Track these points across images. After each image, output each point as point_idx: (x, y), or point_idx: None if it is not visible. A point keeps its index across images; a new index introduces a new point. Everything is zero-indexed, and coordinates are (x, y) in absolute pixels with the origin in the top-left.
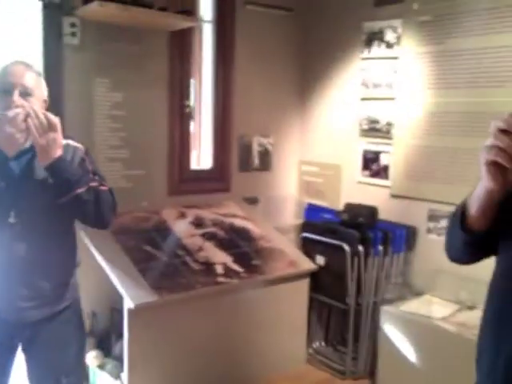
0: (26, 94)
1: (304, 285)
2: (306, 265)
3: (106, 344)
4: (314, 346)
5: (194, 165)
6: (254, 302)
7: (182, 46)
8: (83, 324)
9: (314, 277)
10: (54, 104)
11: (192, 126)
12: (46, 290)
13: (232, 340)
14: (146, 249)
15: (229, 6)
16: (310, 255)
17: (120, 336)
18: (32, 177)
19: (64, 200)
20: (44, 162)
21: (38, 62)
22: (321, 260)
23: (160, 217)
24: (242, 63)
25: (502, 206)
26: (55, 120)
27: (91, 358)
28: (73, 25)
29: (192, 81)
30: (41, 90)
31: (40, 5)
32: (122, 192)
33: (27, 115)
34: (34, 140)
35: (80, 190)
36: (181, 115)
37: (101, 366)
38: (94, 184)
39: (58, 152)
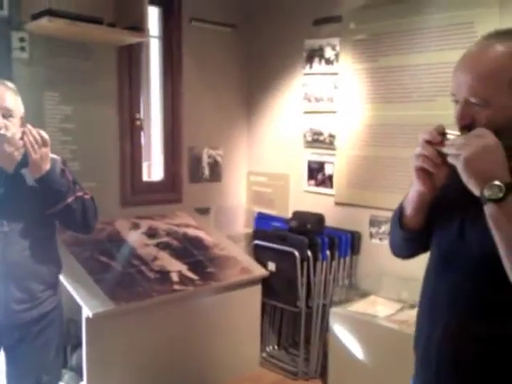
0: (8, 115)
1: (256, 290)
2: (258, 271)
3: (62, 356)
4: (268, 349)
5: (146, 176)
6: (209, 308)
7: (130, 60)
8: (63, 325)
9: (266, 282)
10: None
11: (143, 138)
12: (37, 291)
13: (189, 346)
14: (101, 259)
15: (175, 22)
16: (262, 262)
17: (76, 347)
18: (21, 187)
19: (54, 210)
20: (36, 175)
21: None
22: (272, 266)
23: (114, 228)
24: (189, 77)
25: (433, 205)
26: (46, 136)
27: None
28: (22, 39)
29: (141, 94)
30: (19, 109)
31: None
32: None
33: (23, 133)
34: (30, 155)
35: (69, 200)
36: (131, 128)
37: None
38: (79, 194)
39: (48, 165)
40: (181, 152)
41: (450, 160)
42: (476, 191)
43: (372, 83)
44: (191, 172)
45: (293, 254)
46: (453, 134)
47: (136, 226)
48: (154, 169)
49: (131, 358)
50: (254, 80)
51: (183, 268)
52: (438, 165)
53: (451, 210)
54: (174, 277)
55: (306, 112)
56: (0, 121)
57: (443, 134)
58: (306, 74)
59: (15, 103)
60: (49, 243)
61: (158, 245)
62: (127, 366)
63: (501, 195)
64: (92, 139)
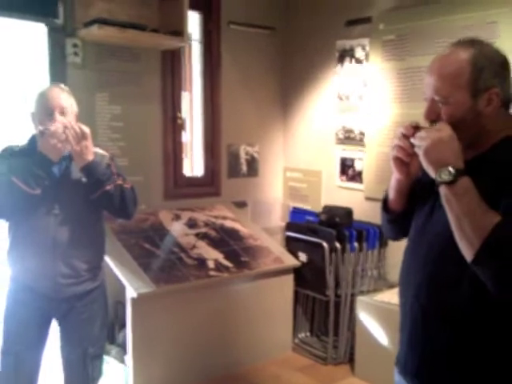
0: (63, 113)
1: (289, 279)
2: (290, 261)
3: (111, 333)
4: (300, 336)
5: (187, 172)
6: (243, 294)
7: (172, 62)
8: (107, 304)
9: (298, 272)
10: None
11: (184, 136)
12: (81, 270)
13: (223, 328)
14: (145, 246)
15: (214, 25)
16: (294, 253)
17: (123, 326)
18: (69, 177)
19: (95, 195)
20: (79, 165)
21: (44, 80)
22: (303, 257)
23: (157, 218)
24: (228, 78)
25: (414, 190)
26: (87, 130)
27: None
28: (75, 45)
29: (184, 94)
30: (73, 107)
31: (45, 28)
32: None
33: (65, 127)
34: (71, 147)
35: (108, 187)
36: (173, 126)
37: (106, 352)
38: (119, 182)
39: (90, 156)
40: (220, 149)
41: (416, 150)
42: (432, 175)
43: (399, 82)
44: (230, 167)
45: (322, 246)
46: (424, 128)
47: (177, 217)
48: (194, 165)
49: (170, 336)
50: (289, 79)
51: (219, 256)
52: (411, 154)
53: (427, 195)
54: (211, 264)
55: (338, 110)
56: (58, 118)
57: (417, 128)
58: (337, 74)
59: (69, 103)
60: (94, 228)
61: (196, 235)
62: (167, 343)
63: (451, 178)
64: (138, 136)
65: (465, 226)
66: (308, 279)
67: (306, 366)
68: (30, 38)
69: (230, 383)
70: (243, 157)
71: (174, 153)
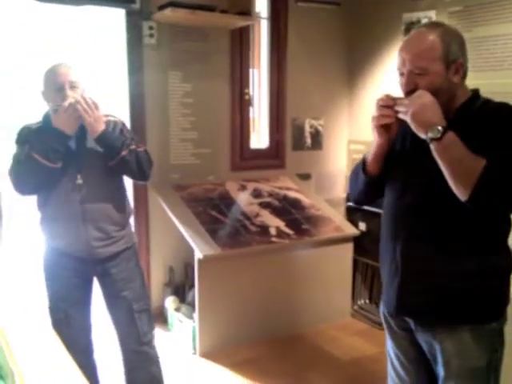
0: (73, 87)
1: (348, 248)
2: (350, 230)
3: (181, 293)
4: (359, 302)
5: (254, 145)
6: (303, 260)
7: (241, 41)
8: (140, 264)
9: (358, 241)
10: (137, 93)
11: (251, 111)
12: (111, 231)
13: (285, 292)
14: (212, 214)
15: (282, 3)
16: (354, 222)
17: (192, 286)
18: (86, 147)
19: (114, 162)
20: (94, 135)
21: (123, 60)
22: (363, 226)
23: (224, 188)
24: (294, 54)
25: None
26: (97, 102)
27: (169, 302)
28: (151, 28)
29: (251, 71)
30: (81, 80)
31: (123, 12)
32: (192, 167)
33: (77, 102)
34: (84, 119)
35: (124, 153)
36: (241, 101)
37: (177, 309)
38: (133, 147)
39: (102, 126)
40: (285, 122)
41: (401, 116)
42: (423, 135)
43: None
44: (294, 141)
45: (380, 215)
46: (400, 98)
47: (243, 188)
48: (261, 138)
49: (234, 296)
50: (355, 54)
51: (281, 224)
52: (393, 121)
53: (402, 155)
54: (273, 231)
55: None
56: (68, 92)
57: (393, 99)
58: None
59: (77, 77)
60: (117, 192)
61: (260, 204)
62: (231, 303)
63: (439, 135)
64: (207, 112)
65: (458, 171)
66: (367, 248)
67: (364, 330)
68: (108, 23)
69: (290, 344)
70: (308, 130)
71: (240, 127)
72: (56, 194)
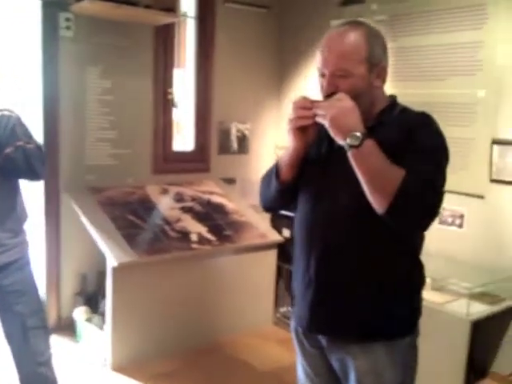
0: None
1: (272, 254)
2: (274, 236)
3: (94, 302)
4: (281, 310)
5: (178, 147)
6: (225, 267)
7: (165, 39)
8: (34, 275)
9: (283, 248)
10: (51, 88)
11: (176, 112)
12: (2, 238)
13: (205, 299)
14: (130, 218)
15: (209, 3)
16: (278, 229)
17: (105, 296)
18: None
19: None
20: None
21: (37, 53)
22: (287, 233)
23: (144, 192)
24: (221, 55)
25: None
26: None
27: (80, 313)
28: (67, 19)
29: (177, 71)
30: None
31: (39, 2)
32: (110, 169)
33: None
34: None
35: (8, 150)
36: (164, 101)
37: (88, 320)
38: (20, 143)
39: None
40: (210, 125)
41: (319, 119)
42: (341, 141)
43: (392, 62)
44: (220, 144)
45: None
46: (318, 101)
47: (165, 191)
48: (185, 140)
49: (150, 306)
50: (284, 57)
51: (203, 230)
52: (310, 123)
53: (317, 161)
54: (194, 237)
55: None
56: None
57: (311, 102)
58: None
59: None
60: (10, 195)
61: (182, 208)
62: (146, 313)
63: (358, 142)
64: (128, 111)
65: (376, 181)
66: (291, 255)
67: (285, 338)
68: (22, 12)
69: (209, 355)
70: (234, 134)
71: (163, 128)
72: None
